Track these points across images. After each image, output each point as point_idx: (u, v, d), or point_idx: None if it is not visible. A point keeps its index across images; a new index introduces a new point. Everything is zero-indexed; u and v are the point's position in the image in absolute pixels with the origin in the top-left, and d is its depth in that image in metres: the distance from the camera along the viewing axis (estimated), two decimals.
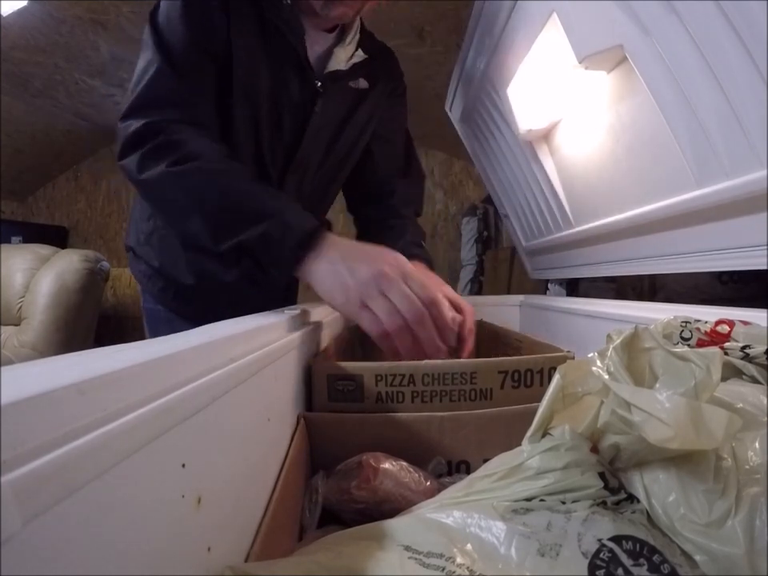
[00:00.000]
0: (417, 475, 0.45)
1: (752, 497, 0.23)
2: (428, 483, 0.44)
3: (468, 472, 0.50)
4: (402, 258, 0.53)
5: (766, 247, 0.57)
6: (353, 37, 0.77)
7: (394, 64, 0.87)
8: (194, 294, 0.80)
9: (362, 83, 0.79)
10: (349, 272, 0.51)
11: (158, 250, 0.79)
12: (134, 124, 0.60)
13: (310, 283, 0.56)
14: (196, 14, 0.63)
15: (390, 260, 0.52)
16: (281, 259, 0.55)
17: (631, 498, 0.27)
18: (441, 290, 0.56)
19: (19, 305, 1.92)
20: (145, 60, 0.63)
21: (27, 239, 2.64)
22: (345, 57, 0.76)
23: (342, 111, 0.79)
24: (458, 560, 0.25)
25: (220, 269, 0.73)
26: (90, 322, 2.06)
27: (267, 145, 0.72)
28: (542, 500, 0.27)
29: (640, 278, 1.20)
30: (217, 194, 0.56)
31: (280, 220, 0.54)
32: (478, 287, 2.47)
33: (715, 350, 0.27)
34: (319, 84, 0.73)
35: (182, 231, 0.63)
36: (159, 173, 0.57)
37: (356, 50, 0.78)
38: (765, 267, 0.57)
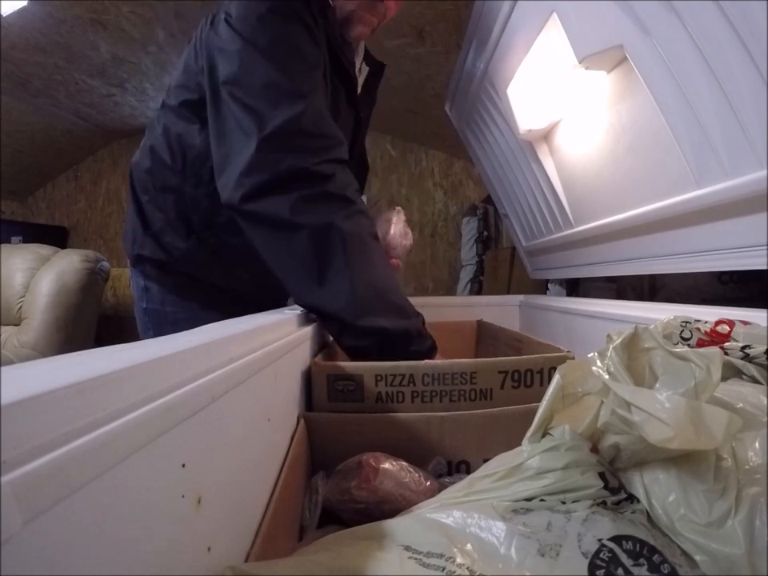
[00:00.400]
0: (417, 475, 0.45)
1: (752, 497, 0.23)
2: (428, 483, 0.44)
3: (468, 472, 0.50)
4: None
5: (766, 247, 0.57)
6: (362, 50, 0.84)
7: (380, 78, 0.94)
8: (242, 297, 0.83)
9: (364, 90, 0.88)
10: None
11: (211, 264, 0.79)
12: (290, 161, 0.58)
13: None
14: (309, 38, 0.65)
15: None
16: (415, 354, 0.61)
17: (631, 498, 0.27)
18: None
19: (19, 305, 1.92)
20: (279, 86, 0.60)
21: (27, 239, 2.64)
22: (357, 67, 0.84)
23: (364, 116, 0.87)
24: (458, 560, 0.25)
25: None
26: (90, 321, 2.06)
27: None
28: (542, 500, 0.28)
29: (640, 278, 1.20)
30: (376, 274, 0.60)
31: (417, 324, 0.63)
32: (478, 287, 2.47)
33: (715, 349, 0.27)
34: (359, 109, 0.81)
35: (315, 287, 0.59)
36: (325, 223, 0.57)
37: (362, 62, 0.85)
38: (765, 267, 0.57)
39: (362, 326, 0.58)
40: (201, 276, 0.81)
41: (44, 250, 2.06)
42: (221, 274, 0.80)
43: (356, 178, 0.72)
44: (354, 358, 0.62)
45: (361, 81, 0.83)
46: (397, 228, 0.71)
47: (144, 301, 0.85)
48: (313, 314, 0.63)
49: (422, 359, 0.60)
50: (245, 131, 0.59)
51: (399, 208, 0.74)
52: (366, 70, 0.85)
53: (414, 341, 0.61)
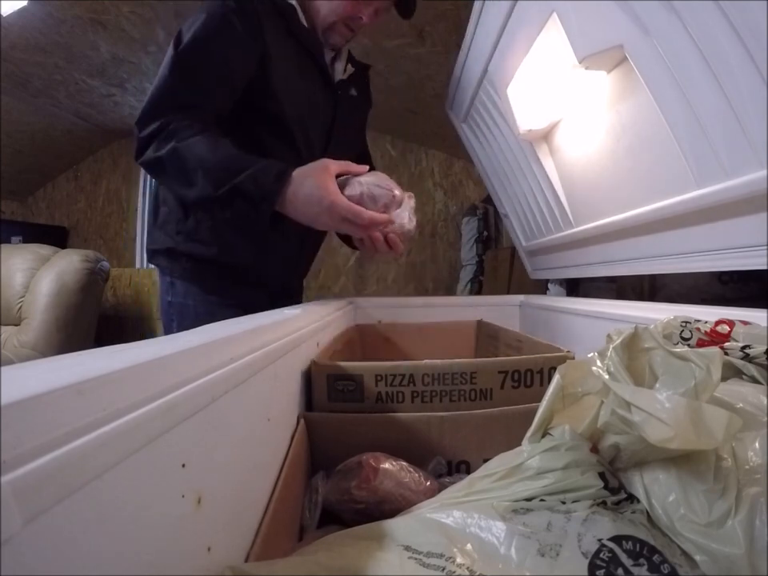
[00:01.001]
0: (417, 475, 0.45)
1: (752, 497, 0.23)
2: (428, 483, 0.44)
3: (468, 472, 0.50)
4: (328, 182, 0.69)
5: (766, 247, 0.57)
6: (345, 52, 0.95)
7: (368, 78, 1.05)
8: (247, 276, 0.91)
9: (353, 91, 0.96)
10: (317, 211, 0.69)
11: (210, 240, 0.88)
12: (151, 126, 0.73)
13: (288, 213, 0.70)
14: (223, 44, 0.76)
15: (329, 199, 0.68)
16: (266, 193, 0.68)
17: (631, 498, 0.27)
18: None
19: (19, 305, 1.92)
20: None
21: (27, 239, 2.64)
22: (341, 69, 0.94)
23: (350, 114, 0.96)
24: (458, 560, 0.25)
25: (277, 238, 0.86)
26: (90, 321, 2.06)
27: (304, 145, 0.86)
28: (542, 500, 0.28)
29: (640, 278, 1.20)
30: (215, 155, 0.70)
31: (262, 164, 0.69)
32: (478, 287, 2.47)
33: (715, 349, 0.27)
34: (339, 92, 0.92)
35: (188, 191, 0.73)
36: (170, 148, 0.70)
37: (347, 63, 0.95)
38: (765, 267, 0.57)
39: (221, 192, 0.69)
40: (205, 255, 0.88)
41: (44, 250, 2.06)
42: (221, 249, 0.87)
43: None
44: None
45: (344, 76, 0.94)
46: (405, 210, 0.74)
47: (169, 294, 0.91)
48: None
49: (279, 185, 0.68)
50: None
51: (411, 194, 0.77)
52: (350, 69, 0.96)
53: (262, 178, 0.68)
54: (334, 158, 0.77)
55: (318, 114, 0.89)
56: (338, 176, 0.71)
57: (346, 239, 0.94)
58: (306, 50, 0.84)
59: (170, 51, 0.76)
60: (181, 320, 0.91)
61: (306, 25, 0.85)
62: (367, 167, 0.76)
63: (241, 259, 0.89)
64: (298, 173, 0.69)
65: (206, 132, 0.72)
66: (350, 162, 0.74)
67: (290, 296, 1.02)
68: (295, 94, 0.83)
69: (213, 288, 0.90)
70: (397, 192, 0.73)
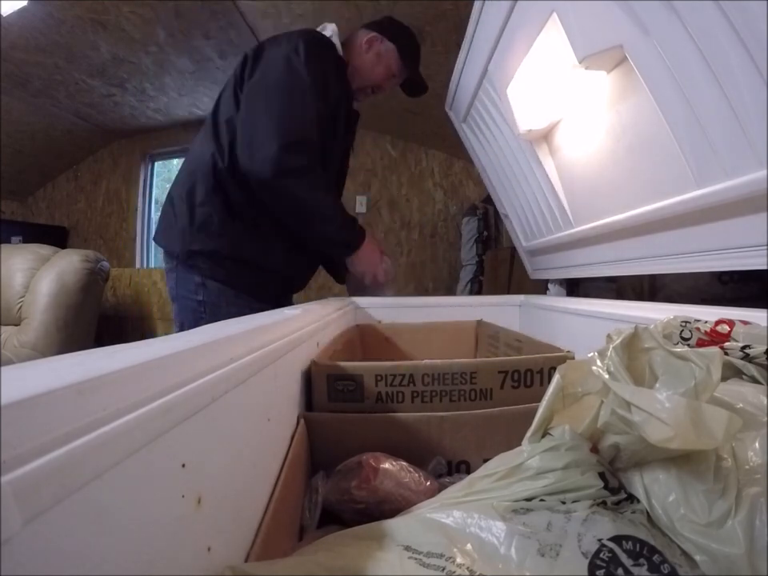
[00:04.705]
0: (417, 475, 0.45)
1: (752, 497, 0.23)
2: (428, 483, 0.44)
3: (468, 472, 0.50)
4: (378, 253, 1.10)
5: (766, 247, 0.57)
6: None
7: (357, 122, 1.25)
8: (273, 279, 1.06)
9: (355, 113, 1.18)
10: (372, 256, 1.07)
11: (253, 245, 1.01)
12: (299, 159, 0.91)
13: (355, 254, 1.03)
14: (335, 81, 1.00)
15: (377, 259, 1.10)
16: (355, 243, 1.02)
17: (631, 498, 0.27)
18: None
19: (19, 305, 1.92)
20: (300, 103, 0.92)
21: (27, 239, 2.64)
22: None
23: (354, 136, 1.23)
24: (458, 560, 0.25)
25: (302, 258, 1.09)
26: (90, 321, 2.06)
27: (329, 164, 1.06)
28: (542, 500, 0.28)
29: (640, 278, 1.20)
30: (336, 215, 0.98)
31: (357, 225, 1.03)
32: (478, 287, 2.47)
33: (715, 349, 0.27)
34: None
35: (302, 225, 0.98)
36: (314, 196, 0.93)
37: None
38: (765, 267, 0.57)
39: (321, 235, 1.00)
40: (245, 257, 0.99)
41: (44, 249, 2.06)
42: (260, 251, 1.01)
43: (336, 187, 1.18)
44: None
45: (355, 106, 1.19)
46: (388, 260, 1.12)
47: (201, 294, 0.99)
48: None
49: (359, 241, 1.02)
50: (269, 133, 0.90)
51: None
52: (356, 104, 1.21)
53: (351, 233, 1.02)
54: (342, 170, 1.18)
55: (340, 143, 1.10)
56: None
57: (333, 274, 1.27)
58: (348, 98, 1.10)
59: (301, 81, 0.92)
60: (212, 319, 0.95)
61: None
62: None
63: (275, 260, 1.02)
64: (367, 233, 1.05)
65: (331, 188, 1.03)
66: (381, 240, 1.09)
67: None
68: (333, 132, 1.04)
69: (248, 289, 1.00)
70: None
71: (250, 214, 0.98)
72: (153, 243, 3.13)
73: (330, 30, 1.05)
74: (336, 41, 1.04)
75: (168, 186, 3.47)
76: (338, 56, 1.04)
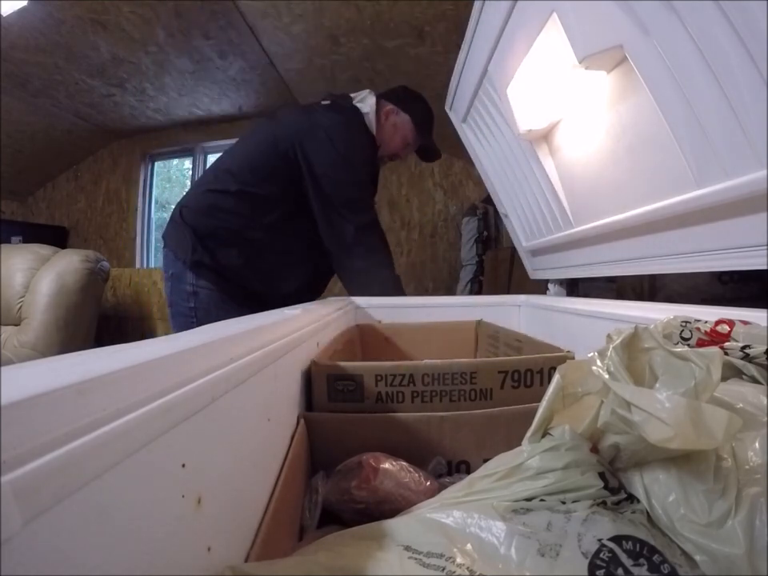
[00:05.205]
0: (417, 475, 0.45)
1: (752, 497, 0.23)
2: (428, 483, 0.44)
3: (468, 472, 0.50)
4: None
5: (766, 247, 0.57)
6: None
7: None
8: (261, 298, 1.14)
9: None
10: None
11: (254, 274, 1.10)
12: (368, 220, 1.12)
13: None
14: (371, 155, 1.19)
15: None
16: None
17: (631, 498, 0.27)
18: None
19: (19, 305, 1.92)
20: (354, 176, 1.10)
21: (27, 239, 2.64)
22: None
23: None
24: (458, 560, 0.25)
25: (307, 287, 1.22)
26: (90, 322, 2.06)
27: None
28: (542, 500, 0.27)
29: (640, 278, 1.20)
30: (390, 283, 1.17)
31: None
32: (478, 287, 2.47)
33: (715, 349, 0.27)
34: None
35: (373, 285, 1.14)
36: (380, 275, 1.14)
37: None
38: (765, 267, 0.57)
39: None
40: (246, 285, 1.08)
41: (44, 249, 2.06)
42: (261, 282, 1.10)
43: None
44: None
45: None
46: None
47: (192, 301, 1.05)
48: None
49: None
50: (346, 218, 1.08)
51: None
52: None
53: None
54: None
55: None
56: None
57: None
58: (378, 171, 1.28)
59: (353, 155, 1.07)
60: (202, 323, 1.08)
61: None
62: None
63: (274, 290, 1.11)
64: None
65: (389, 259, 1.19)
66: None
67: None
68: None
69: (242, 303, 1.07)
70: None
71: (261, 241, 1.07)
72: (153, 243, 3.13)
73: (368, 105, 1.13)
74: (372, 118, 1.13)
75: (168, 186, 3.47)
76: (373, 136, 1.16)
